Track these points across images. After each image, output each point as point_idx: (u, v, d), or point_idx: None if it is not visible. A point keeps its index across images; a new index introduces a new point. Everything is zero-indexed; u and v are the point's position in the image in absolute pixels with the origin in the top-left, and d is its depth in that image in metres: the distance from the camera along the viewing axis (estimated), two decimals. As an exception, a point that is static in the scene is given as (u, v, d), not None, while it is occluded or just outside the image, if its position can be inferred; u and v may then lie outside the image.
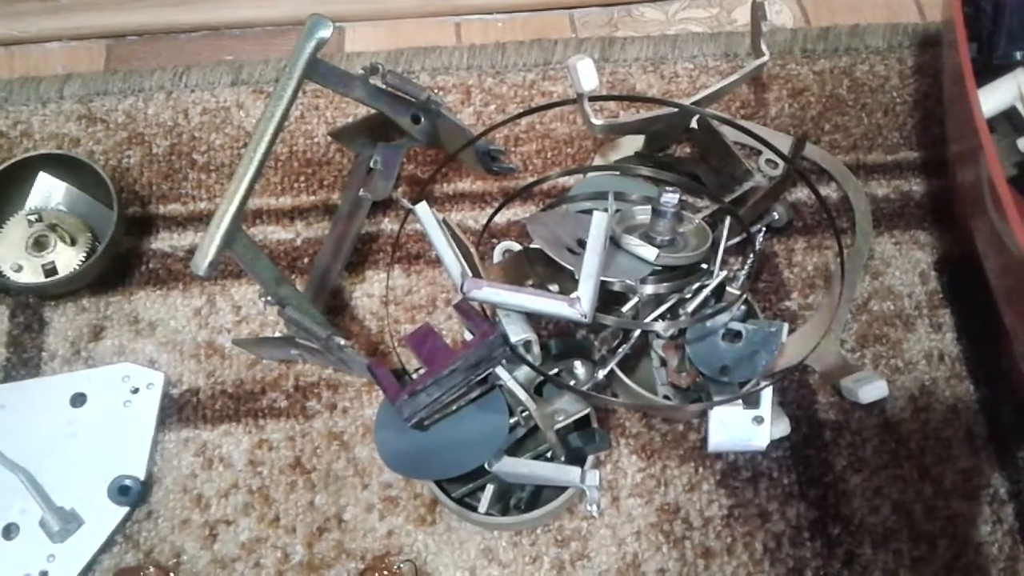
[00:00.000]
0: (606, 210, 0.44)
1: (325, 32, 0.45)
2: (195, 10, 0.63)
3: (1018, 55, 0.47)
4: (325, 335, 0.45)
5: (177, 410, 0.50)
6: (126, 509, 0.47)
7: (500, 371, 0.43)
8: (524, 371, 0.44)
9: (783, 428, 0.47)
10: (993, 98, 0.48)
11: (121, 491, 0.47)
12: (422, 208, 0.45)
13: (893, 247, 0.54)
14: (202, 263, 0.40)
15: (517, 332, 0.43)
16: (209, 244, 0.40)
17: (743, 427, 0.45)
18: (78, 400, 0.49)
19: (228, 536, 0.47)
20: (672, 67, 0.60)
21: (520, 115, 0.55)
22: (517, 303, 0.42)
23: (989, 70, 0.49)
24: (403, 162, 0.54)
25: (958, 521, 0.47)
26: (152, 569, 0.45)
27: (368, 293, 0.54)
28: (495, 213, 0.53)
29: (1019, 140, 0.48)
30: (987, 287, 0.48)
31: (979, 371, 0.50)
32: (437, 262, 0.53)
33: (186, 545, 0.47)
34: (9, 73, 0.62)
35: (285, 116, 0.43)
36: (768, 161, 0.55)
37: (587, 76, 0.48)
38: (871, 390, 0.47)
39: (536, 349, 0.44)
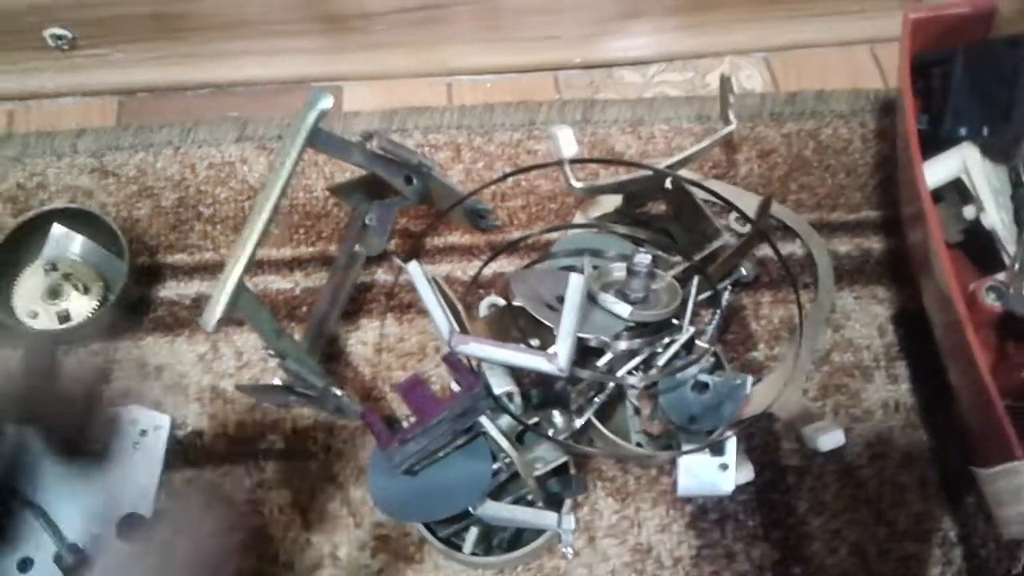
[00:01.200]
0: (583, 271, 0.48)
1: (326, 104, 0.48)
2: (202, 68, 0.67)
3: (962, 131, 0.51)
4: (322, 385, 0.48)
5: (182, 451, 0.53)
6: (133, 546, 0.50)
7: (484, 420, 0.46)
8: (506, 420, 0.47)
9: (747, 474, 0.50)
10: (940, 169, 0.52)
11: (130, 528, 0.50)
12: (413, 267, 0.49)
13: (854, 301, 0.58)
14: (210, 321, 0.44)
15: (500, 384, 0.47)
16: (216, 304, 0.44)
17: (710, 473, 0.48)
18: (89, 442, 0.53)
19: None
20: (649, 128, 0.64)
21: (506, 176, 0.59)
22: (500, 358, 0.46)
23: (937, 143, 0.53)
24: (396, 218, 0.58)
25: (911, 562, 0.50)
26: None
27: (362, 340, 0.57)
28: (482, 268, 0.57)
29: (964, 209, 0.52)
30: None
31: (932, 421, 0.54)
32: (427, 313, 0.57)
33: (189, 580, 0.50)
34: (26, 127, 0.66)
35: (286, 186, 0.46)
36: (737, 219, 0.59)
37: (567, 143, 0.52)
38: (828, 439, 0.51)
39: (518, 399, 0.48)
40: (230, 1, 0.62)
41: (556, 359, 0.44)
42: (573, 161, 0.53)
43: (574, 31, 0.67)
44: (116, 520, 0.50)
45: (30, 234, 0.57)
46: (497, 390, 0.46)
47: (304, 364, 0.49)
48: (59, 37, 0.63)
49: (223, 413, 0.54)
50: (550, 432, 0.48)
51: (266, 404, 0.54)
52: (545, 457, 0.46)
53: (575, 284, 0.46)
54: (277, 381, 0.54)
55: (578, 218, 0.60)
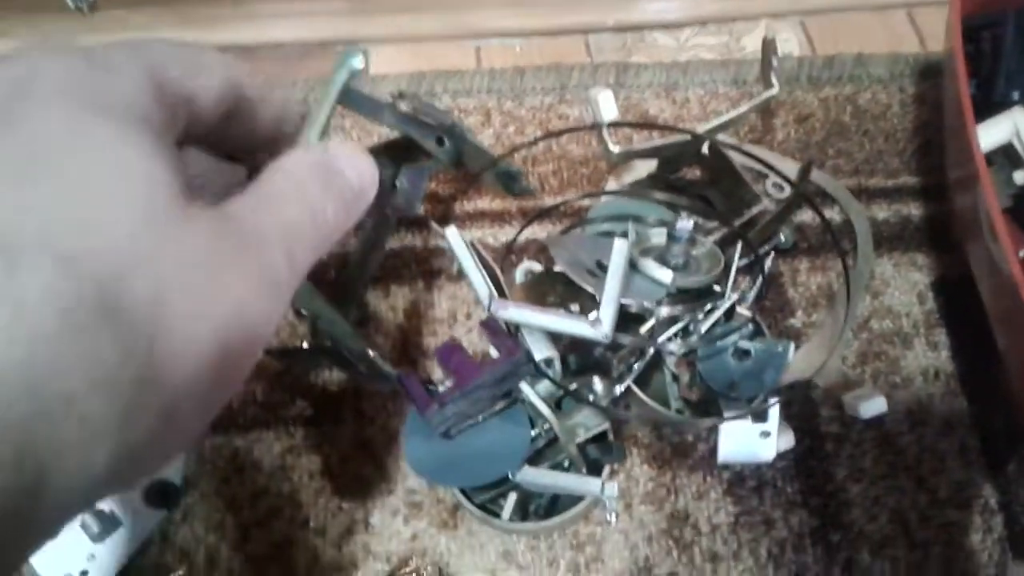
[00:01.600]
0: (626, 236, 0.47)
1: (359, 63, 0.47)
2: (225, 30, 0.66)
3: (1015, 95, 0.50)
4: (357, 348, 0.47)
5: (212, 417, 0.52)
6: (163, 512, 0.49)
7: (524, 387, 0.45)
8: (545, 385, 0.47)
9: (788, 441, 0.50)
10: (991, 134, 0.50)
11: (158, 494, 0.49)
12: (451, 231, 0.48)
13: (892, 268, 0.57)
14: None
15: (541, 350, 0.46)
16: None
17: (751, 440, 0.47)
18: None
19: (260, 537, 0.49)
20: (684, 93, 0.63)
21: (539, 139, 0.58)
22: (542, 323, 0.45)
23: (988, 106, 0.52)
24: (428, 181, 0.56)
25: (951, 529, 0.50)
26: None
27: (392, 307, 0.56)
28: (520, 232, 0.56)
29: (1015, 173, 0.51)
30: (981, 308, 0.50)
31: (972, 388, 0.53)
32: (458, 278, 0.56)
33: (220, 546, 0.49)
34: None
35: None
36: (775, 185, 0.58)
37: (607, 106, 0.51)
38: (871, 406, 0.50)
39: (557, 365, 0.47)
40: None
41: (599, 324, 0.44)
42: (613, 124, 0.52)
43: (604, -8, 0.66)
44: (145, 486, 0.49)
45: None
46: (538, 356, 0.45)
47: (337, 325, 0.48)
48: (80, -2, 0.62)
49: (251, 380, 0.54)
50: (590, 398, 0.47)
51: (297, 370, 0.54)
52: (586, 424, 0.46)
53: (619, 249, 0.45)
54: (306, 345, 0.53)
55: (611, 184, 0.59)
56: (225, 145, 0.28)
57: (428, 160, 0.56)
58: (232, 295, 0.20)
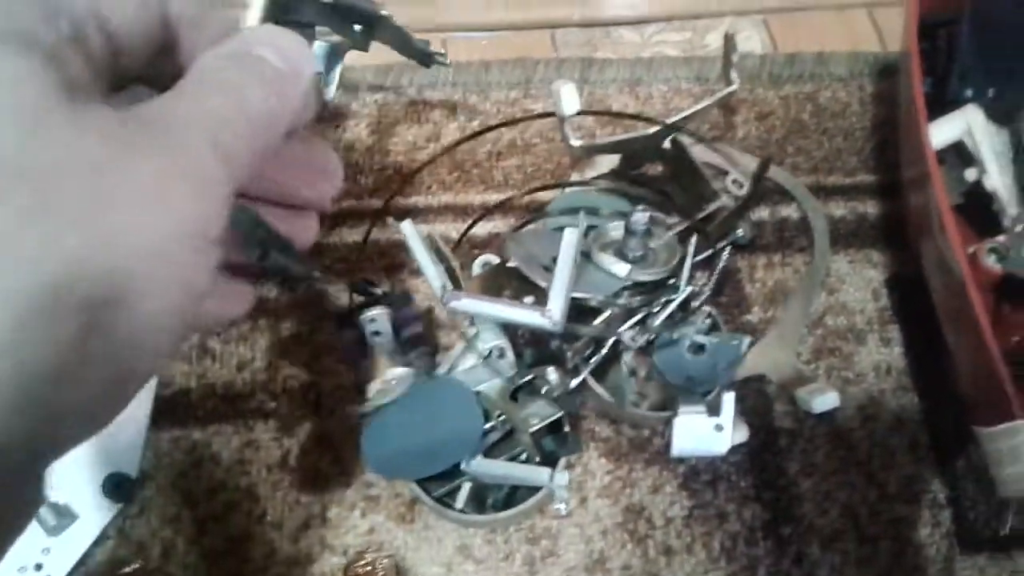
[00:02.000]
0: (578, 227, 0.47)
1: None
2: None
3: (968, 93, 0.51)
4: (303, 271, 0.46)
5: (169, 410, 0.52)
6: (119, 505, 0.49)
7: (481, 378, 0.46)
8: (500, 379, 0.47)
9: (742, 434, 0.50)
10: (943, 131, 0.51)
11: (114, 487, 0.49)
12: (406, 225, 0.48)
13: (848, 265, 0.58)
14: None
15: (491, 339, 0.46)
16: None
17: (705, 433, 0.48)
18: (72, 399, 0.51)
19: (217, 531, 0.49)
20: (647, 88, 0.63)
21: (496, 126, 0.58)
22: (493, 313, 0.45)
23: (942, 104, 0.52)
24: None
25: (900, 524, 0.51)
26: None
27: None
28: (469, 227, 0.56)
29: (966, 171, 0.52)
30: (933, 306, 0.51)
31: (923, 385, 0.54)
32: (419, 272, 0.56)
33: (176, 540, 0.49)
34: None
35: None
36: (734, 181, 0.58)
37: (569, 100, 0.51)
38: (824, 401, 0.51)
39: (510, 356, 0.47)
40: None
41: (550, 313, 0.44)
42: (577, 113, 0.52)
43: (570, -12, 0.66)
44: (101, 479, 0.49)
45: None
46: (487, 344, 0.46)
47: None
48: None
49: (211, 372, 0.53)
50: (543, 389, 0.47)
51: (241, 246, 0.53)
52: (540, 413, 0.46)
53: (569, 239, 0.46)
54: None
55: (574, 177, 0.59)
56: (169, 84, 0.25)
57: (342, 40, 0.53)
58: (142, 195, 0.19)
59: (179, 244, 0.19)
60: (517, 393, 0.48)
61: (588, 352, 0.49)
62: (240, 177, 0.21)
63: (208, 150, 0.20)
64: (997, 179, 0.49)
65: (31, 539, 0.48)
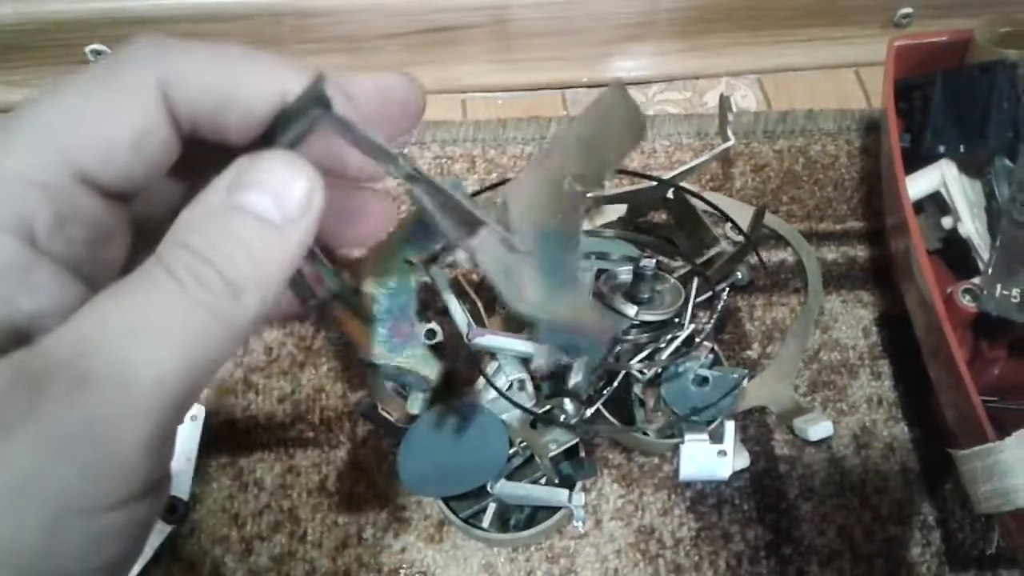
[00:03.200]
0: (589, 271, 0.52)
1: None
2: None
3: (941, 148, 0.56)
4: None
5: (217, 439, 0.57)
6: (172, 527, 0.53)
7: (503, 407, 0.50)
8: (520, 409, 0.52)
9: (743, 460, 0.55)
10: (921, 183, 0.56)
11: (168, 510, 0.53)
12: (435, 270, 0.53)
13: (840, 305, 0.63)
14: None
15: (511, 372, 0.51)
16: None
17: (709, 459, 0.52)
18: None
19: (262, 550, 0.53)
20: (651, 143, 0.69)
21: (498, 185, 0.63)
22: (514, 347, 0.50)
23: (919, 158, 0.58)
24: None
25: (893, 544, 0.55)
26: None
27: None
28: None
29: (943, 219, 0.56)
30: (918, 342, 0.56)
31: (912, 414, 0.58)
32: (444, 312, 0.61)
33: (225, 558, 0.53)
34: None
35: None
36: (733, 228, 0.64)
37: (579, 157, 0.57)
38: (819, 429, 0.55)
39: (529, 387, 0.52)
40: (255, 29, 0.66)
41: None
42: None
43: (580, 52, 0.72)
44: (154, 503, 0.53)
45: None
46: (510, 377, 0.50)
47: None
48: (99, 53, 0.67)
49: (255, 404, 0.58)
50: (560, 418, 0.52)
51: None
52: (559, 439, 0.50)
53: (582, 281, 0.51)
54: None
55: (585, 227, 0.64)
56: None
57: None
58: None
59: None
60: (536, 422, 0.53)
61: (601, 384, 0.54)
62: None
63: (130, 433, 0.16)
64: (971, 226, 0.54)
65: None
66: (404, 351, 0.33)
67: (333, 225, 0.24)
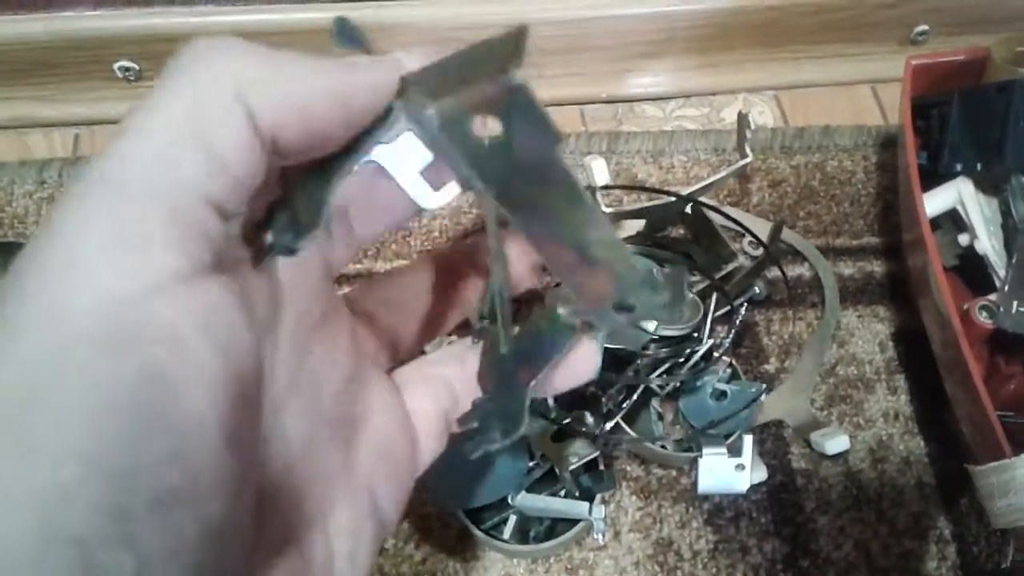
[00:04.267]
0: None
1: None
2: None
3: (958, 166, 0.56)
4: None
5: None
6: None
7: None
8: (542, 423, 0.52)
9: (761, 474, 0.55)
10: (938, 200, 0.57)
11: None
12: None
13: (857, 320, 0.63)
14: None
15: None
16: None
17: (727, 472, 0.53)
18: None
19: (285, 559, 0.54)
20: (669, 159, 0.70)
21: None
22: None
23: (936, 175, 0.58)
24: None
25: (909, 557, 0.55)
26: None
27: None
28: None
29: (959, 236, 0.57)
30: (934, 357, 0.56)
31: (929, 429, 0.59)
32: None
33: (249, 566, 0.54)
34: (92, 150, 0.71)
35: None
36: (750, 243, 0.64)
37: (600, 172, 0.58)
38: (835, 443, 0.56)
39: (550, 400, 0.53)
40: (287, 44, 0.67)
41: (590, 365, 0.49)
42: (604, 187, 0.59)
43: (598, 69, 0.73)
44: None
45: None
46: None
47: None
48: (127, 69, 0.69)
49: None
50: (582, 430, 0.52)
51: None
52: (579, 452, 0.51)
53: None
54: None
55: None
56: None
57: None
58: None
59: None
60: (557, 435, 0.53)
61: (620, 398, 0.54)
62: None
63: None
64: (987, 243, 0.55)
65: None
66: None
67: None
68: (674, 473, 0.57)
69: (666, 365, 0.55)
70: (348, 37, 0.23)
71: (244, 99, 0.18)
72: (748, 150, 0.62)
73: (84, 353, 0.15)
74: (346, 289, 0.29)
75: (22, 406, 0.15)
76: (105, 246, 0.16)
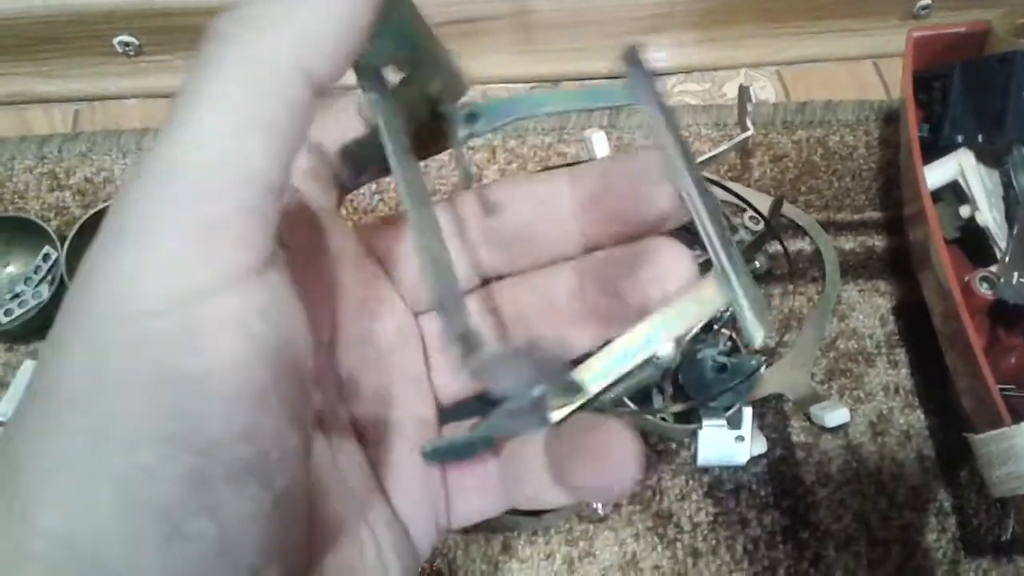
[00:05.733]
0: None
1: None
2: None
3: (959, 138, 0.56)
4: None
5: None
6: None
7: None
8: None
9: (761, 446, 0.56)
10: (939, 173, 0.57)
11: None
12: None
13: (857, 294, 0.63)
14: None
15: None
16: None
17: (727, 445, 0.53)
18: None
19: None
20: (670, 134, 0.69)
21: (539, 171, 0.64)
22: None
23: (938, 148, 0.58)
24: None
25: (909, 530, 0.55)
26: None
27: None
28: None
29: (961, 208, 0.57)
30: (934, 330, 0.56)
31: (929, 402, 0.59)
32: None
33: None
34: (92, 126, 0.71)
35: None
36: (751, 218, 0.64)
37: (600, 146, 0.57)
38: (835, 416, 0.56)
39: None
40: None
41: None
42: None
43: (600, 43, 0.72)
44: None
45: (98, 225, 0.62)
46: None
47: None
48: (127, 44, 0.68)
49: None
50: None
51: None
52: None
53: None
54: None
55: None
56: None
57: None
58: None
59: None
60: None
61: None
62: None
63: None
64: (988, 215, 0.54)
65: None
66: None
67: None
68: (674, 446, 0.57)
69: (666, 338, 0.54)
70: None
71: (302, 63, 0.17)
72: (749, 123, 0.62)
73: (156, 344, 0.16)
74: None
75: (95, 392, 0.16)
76: (176, 241, 0.16)
